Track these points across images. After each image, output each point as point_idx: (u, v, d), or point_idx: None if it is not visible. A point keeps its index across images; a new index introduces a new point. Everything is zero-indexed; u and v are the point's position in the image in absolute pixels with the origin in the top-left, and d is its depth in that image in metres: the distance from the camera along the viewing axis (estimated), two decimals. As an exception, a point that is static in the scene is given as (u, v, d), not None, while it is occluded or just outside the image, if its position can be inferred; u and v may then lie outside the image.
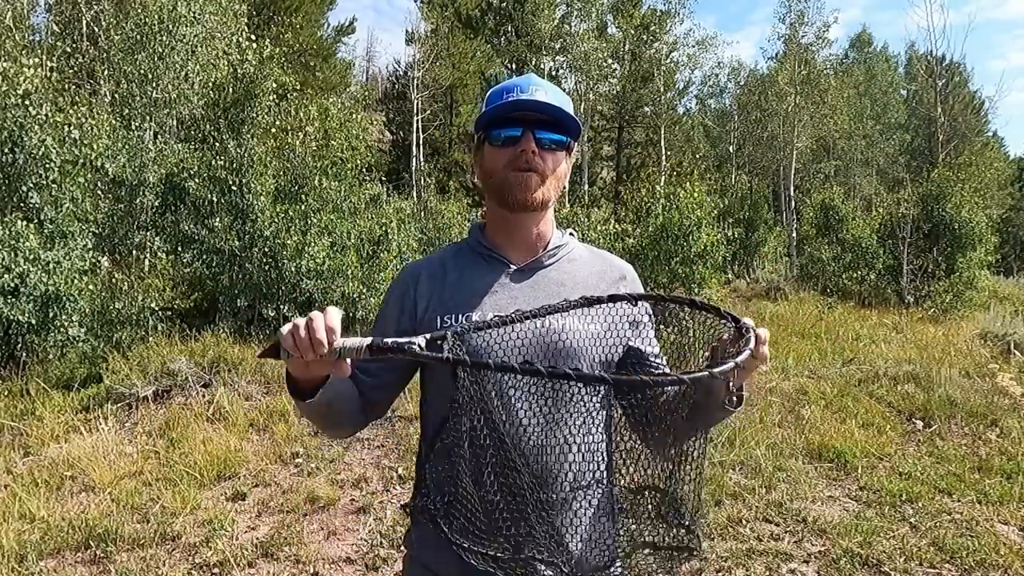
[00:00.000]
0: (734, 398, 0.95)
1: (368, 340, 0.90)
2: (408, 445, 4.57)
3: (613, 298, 1.03)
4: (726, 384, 0.91)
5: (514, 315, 0.99)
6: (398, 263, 8.59)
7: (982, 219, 12.60)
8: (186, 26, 10.49)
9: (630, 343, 1.16)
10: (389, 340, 0.91)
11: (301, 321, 0.87)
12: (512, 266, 1.17)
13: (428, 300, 1.16)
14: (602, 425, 1.07)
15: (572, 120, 1.13)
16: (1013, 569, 3.07)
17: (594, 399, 1.03)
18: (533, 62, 23.03)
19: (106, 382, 5.75)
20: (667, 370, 1.14)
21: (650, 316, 1.18)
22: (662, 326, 1.09)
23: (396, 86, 27.75)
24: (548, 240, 1.21)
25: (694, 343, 1.02)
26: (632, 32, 23.88)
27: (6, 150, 6.70)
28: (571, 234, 1.27)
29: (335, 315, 0.89)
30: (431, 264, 1.22)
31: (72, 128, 7.30)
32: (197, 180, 8.13)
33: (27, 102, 6.82)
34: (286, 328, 0.88)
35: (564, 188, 1.26)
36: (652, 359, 1.16)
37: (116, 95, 11.56)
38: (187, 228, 8.06)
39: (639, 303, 1.16)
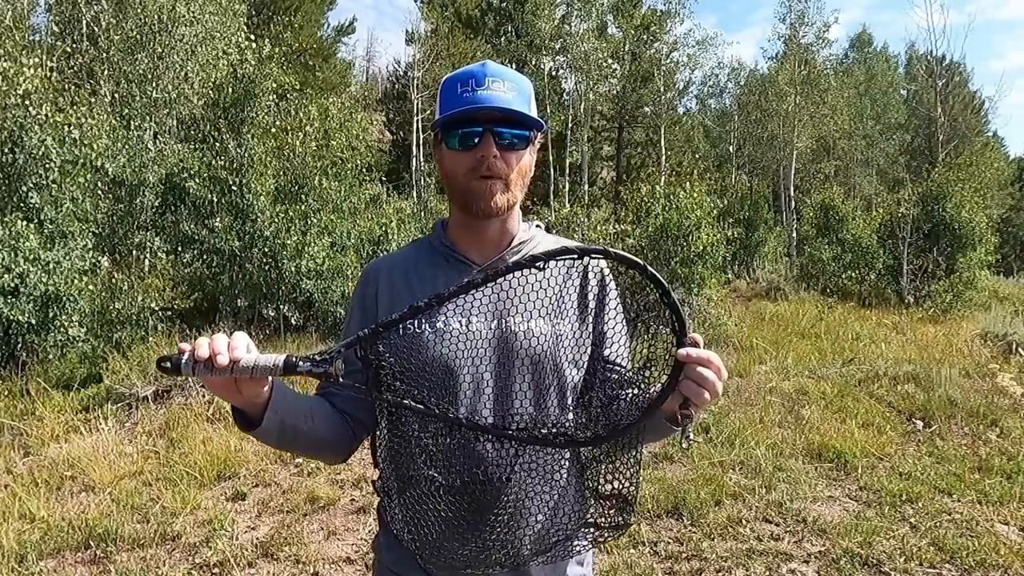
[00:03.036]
0: (686, 424, 0.90)
1: (282, 357, 0.86)
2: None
3: (512, 267, 0.90)
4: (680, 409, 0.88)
5: (415, 306, 0.91)
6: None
7: (982, 219, 12.59)
8: (186, 26, 10.52)
9: (600, 329, 1.11)
10: (306, 361, 0.87)
11: (203, 338, 0.84)
12: (474, 267, 1.10)
13: (388, 300, 1.10)
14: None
15: (533, 118, 1.06)
16: (1013, 569, 3.06)
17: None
18: (533, 62, 23.05)
19: (106, 382, 5.75)
20: (622, 367, 1.08)
21: (618, 302, 1.12)
22: (662, 325, 1.03)
23: (396, 86, 27.75)
24: (513, 236, 1.13)
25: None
26: (632, 32, 23.90)
27: (6, 150, 6.71)
28: (538, 225, 1.19)
29: (240, 336, 0.86)
30: (391, 262, 1.17)
31: (72, 128, 7.31)
32: (197, 180, 8.14)
33: (27, 102, 6.83)
34: (187, 344, 0.84)
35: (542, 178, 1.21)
36: (611, 358, 1.09)
37: (116, 95, 11.56)
38: (187, 228, 8.07)
39: (607, 285, 1.12)
